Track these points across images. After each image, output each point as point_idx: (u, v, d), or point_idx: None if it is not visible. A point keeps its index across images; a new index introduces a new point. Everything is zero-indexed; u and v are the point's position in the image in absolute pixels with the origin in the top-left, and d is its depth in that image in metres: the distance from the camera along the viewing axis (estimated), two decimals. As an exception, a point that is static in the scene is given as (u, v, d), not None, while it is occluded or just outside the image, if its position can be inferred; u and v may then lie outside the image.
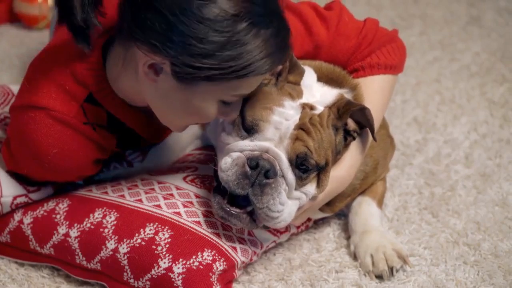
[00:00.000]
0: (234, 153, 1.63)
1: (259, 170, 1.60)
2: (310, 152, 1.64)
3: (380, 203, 1.99)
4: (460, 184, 2.15)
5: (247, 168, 1.60)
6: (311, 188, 1.68)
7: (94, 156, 1.80)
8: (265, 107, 1.65)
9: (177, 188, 1.82)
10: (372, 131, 1.73)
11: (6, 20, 3.06)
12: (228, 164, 1.62)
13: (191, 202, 1.78)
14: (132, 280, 1.71)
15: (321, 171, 1.68)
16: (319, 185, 1.69)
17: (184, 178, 1.86)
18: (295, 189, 1.65)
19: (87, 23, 1.56)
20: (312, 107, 1.69)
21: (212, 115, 1.62)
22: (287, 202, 1.64)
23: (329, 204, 1.84)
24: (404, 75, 1.97)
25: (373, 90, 1.84)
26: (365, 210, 1.94)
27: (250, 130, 1.65)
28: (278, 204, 1.62)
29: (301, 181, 1.65)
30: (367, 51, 1.86)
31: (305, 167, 1.65)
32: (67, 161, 1.74)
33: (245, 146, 1.63)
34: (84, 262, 1.77)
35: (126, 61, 1.63)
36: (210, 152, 2.03)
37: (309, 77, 1.76)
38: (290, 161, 1.63)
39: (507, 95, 2.61)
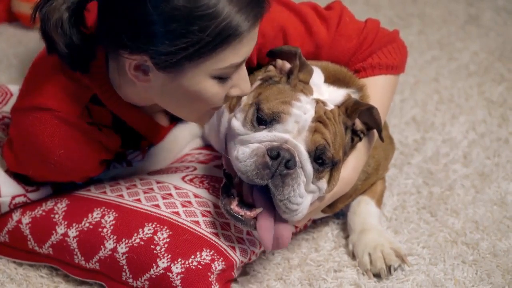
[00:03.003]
0: (252, 144, 1.62)
1: (280, 160, 1.58)
2: (328, 145, 1.65)
3: (379, 202, 1.99)
4: (458, 184, 2.15)
5: (268, 159, 1.58)
6: (324, 183, 1.68)
7: (100, 156, 1.80)
8: (284, 101, 1.66)
9: (176, 188, 1.82)
10: (380, 131, 1.74)
11: (4, 19, 3.06)
12: (247, 154, 1.60)
13: (189, 202, 1.78)
14: (130, 280, 1.71)
15: (333, 167, 1.68)
16: (329, 182, 1.69)
17: (183, 178, 1.86)
18: (312, 182, 1.65)
19: (71, 47, 1.59)
20: (324, 103, 1.70)
21: (217, 95, 1.60)
22: (305, 195, 1.64)
23: (330, 204, 1.85)
24: (402, 74, 1.97)
25: (375, 91, 1.84)
26: (363, 209, 1.94)
27: (269, 122, 1.64)
28: (298, 196, 1.61)
29: (317, 174, 1.65)
30: (368, 51, 1.86)
31: (322, 160, 1.65)
32: (74, 162, 1.74)
33: (263, 137, 1.63)
34: (83, 262, 1.77)
35: (121, 72, 1.65)
36: (209, 152, 2.03)
37: (317, 76, 1.77)
38: (309, 153, 1.63)
39: (506, 94, 2.61)
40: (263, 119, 1.65)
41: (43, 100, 1.69)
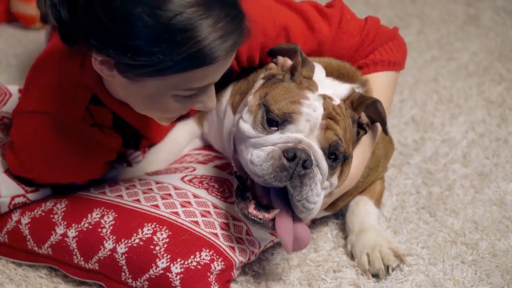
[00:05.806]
0: (266, 147, 1.61)
1: (297, 161, 1.58)
2: (340, 141, 1.65)
3: (378, 202, 1.99)
4: (457, 184, 2.15)
5: (284, 161, 1.58)
6: (336, 179, 1.68)
7: (104, 158, 1.80)
8: (293, 101, 1.65)
9: (175, 188, 1.82)
10: (384, 124, 1.75)
11: (3, 20, 3.06)
12: (262, 158, 1.59)
13: (189, 202, 1.78)
14: (130, 280, 1.71)
15: (344, 162, 1.68)
16: (340, 178, 1.69)
17: (182, 178, 1.86)
18: (326, 179, 1.65)
19: (60, 21, 1.52)
20: (330, 98, 1.70)
21: (176, 109, 1.57)
22: (321, 193, 1.64)
23: (331, 203, 1.85)
24: (401, 74, 1.97)
25: (378, 87, 1.85)
26: (362, 209, 1.94)
27: (281, 123, 1.63)
28: (315, 195, 1.61)
29: (331, 169, 1.65)
30: (370, 48, 1.88)
31: (335, 155, 1.65)
32: (77, 164, 1.74)
33: (277, 139, 1.62)
34: (82, 262, 1.76)
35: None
36: (208, 152, 2.03)
37: (319, 72, 1.77)
38: (323, 150, 1.63)
39: (505, 94, 2.62)
40: (274, 121, 1.64)
41: (44, 104, 1.69)
